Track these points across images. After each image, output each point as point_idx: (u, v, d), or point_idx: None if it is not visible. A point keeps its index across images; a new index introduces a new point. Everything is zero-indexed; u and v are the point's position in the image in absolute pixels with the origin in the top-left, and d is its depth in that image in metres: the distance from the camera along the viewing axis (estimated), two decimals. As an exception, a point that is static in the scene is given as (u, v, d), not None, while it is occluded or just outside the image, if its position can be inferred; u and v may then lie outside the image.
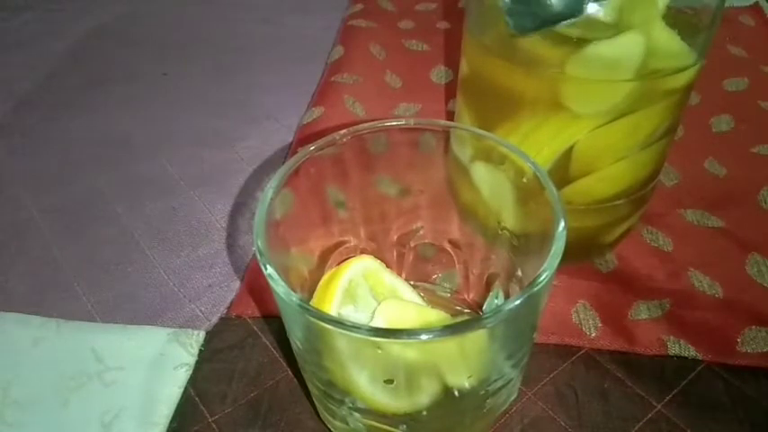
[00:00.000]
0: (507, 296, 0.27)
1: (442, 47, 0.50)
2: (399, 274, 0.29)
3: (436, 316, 0.26)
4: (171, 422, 0.27)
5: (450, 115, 0.43)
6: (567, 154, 0.27)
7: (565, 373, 0.28)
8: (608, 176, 0.28)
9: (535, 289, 0.19)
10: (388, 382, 0.22)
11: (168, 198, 0.39)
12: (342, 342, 0.20)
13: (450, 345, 0.21)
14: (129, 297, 0.33)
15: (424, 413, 0.23)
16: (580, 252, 0.31)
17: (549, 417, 0.27)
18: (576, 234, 0.28)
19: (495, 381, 0.22)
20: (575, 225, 0.26)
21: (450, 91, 0.45)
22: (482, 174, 0.27)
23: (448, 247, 0.29)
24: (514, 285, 0.26)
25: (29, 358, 0.30)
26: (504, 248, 0.26)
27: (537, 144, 0.27)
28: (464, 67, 0.30)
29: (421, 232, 0.29)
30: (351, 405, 0.23)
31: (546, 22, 0.24)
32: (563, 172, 0.27)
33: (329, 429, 0.26)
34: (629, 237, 0.33)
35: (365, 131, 0.25)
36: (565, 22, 0.24)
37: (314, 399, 0.26)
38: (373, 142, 0.26)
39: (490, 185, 0.26)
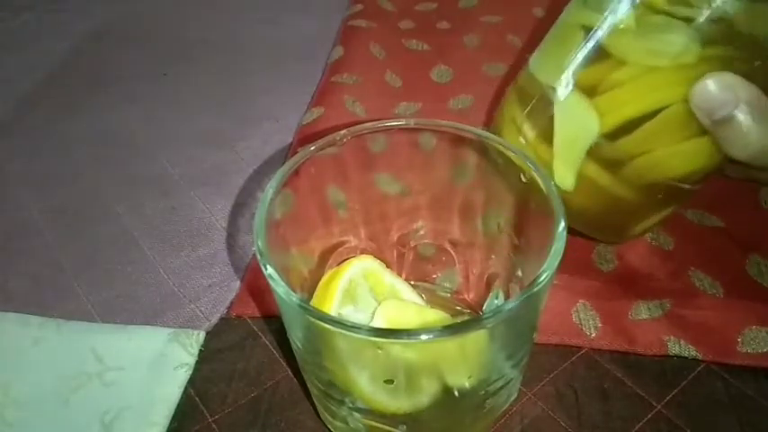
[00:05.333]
0: (507, 296, 0.27)
1: (442, 47, 0.50)
2: (399, 274, 0.29)
3: (436, 316, 0.26)
4: (171, 422, 0.27)
5: (451, 114, 0.43)
6: (653, 115, 0.26)
7: (565, 373, 0.28)
8: (687, 150, 0.26)
9: (535, 289, 0.19)
10: (388, 382, 0.22)
11: (168, 198, 0.39)
12: (342, 342, 0.20)
13: (450, 345, 0.21)
14: (129, 297, 0.33)
15: (424, 413, 0.23)
16: (603, 230, 0.31)
17: (549, 417, 0.27)
18: (615, 210, 0.28)
19: (495, 381, 0.22)
20: (624, 198, 0.26)
21: (451, 90, 0.45)
22: (570, 102, 0.27)
23: (448, 246, 0.29)
24: (514, 285, 0.26)
25: (29, 358, 0.30)
26: (504, 248, 0.26)
27: (631, 94, 0.26)
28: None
29: (421, 232, 0.29)
30: (351, 405, 0.23)
31: None
32: (645, 135, 0.26)
33: (329, 429, 0.26)
34: (630, 236, 0.33)
35: (365, 131, 0.25)
36: None
37: (314, 399, 0.26)
38: (373, 142, 0.26)
39: (577, 119, 0.26)
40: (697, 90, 0.24)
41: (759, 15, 0.23)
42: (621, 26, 0.25)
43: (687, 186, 0.28)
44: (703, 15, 0.23)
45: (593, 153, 0.27)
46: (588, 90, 0.26)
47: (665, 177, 0.27)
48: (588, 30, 0.26)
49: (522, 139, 0.29)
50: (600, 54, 0.26)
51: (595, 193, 0.28)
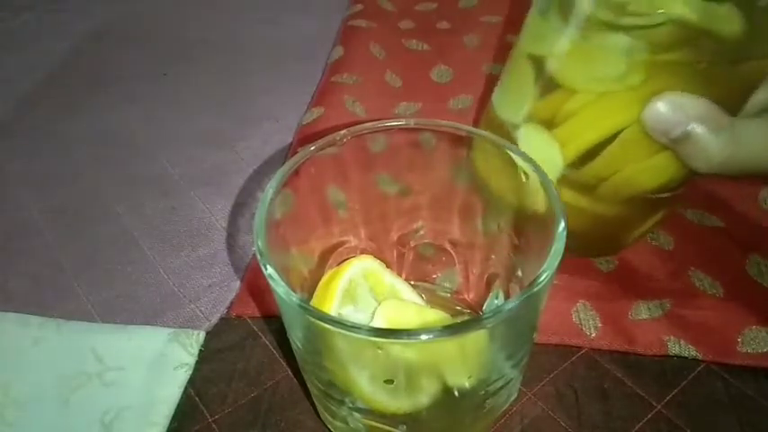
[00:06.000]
0: (507, 296, 0.27)
1: (442, 47, 0.50)
2: (399, 274, 0.29)
3: (436, 316, 0.26)
4: (171, 422, 0.27)
5: (451, 114, 0.43)
6: (613, 139, 0.26)
7: (565, 373, 0.28)
8: (656, 165, 0.26)
9: (535, 289, 0.19)
10: (388, 382, 0.22)
11: (168, 198, 0.39)
12: (342, 342, 0.20)
13: (450, 345, 0.21)
14: (129, 297, 0.33)
15: (424, 413, 0.23)
16: (598, 246, 0.31)
17: (549, 417, 0.27)
18: (604, 225, 0.27)
19: (495, 381, 0.22)
20: (609, 215, 0.26)
21: (451, 90, 0.45)
22: (531, 138, 0.27)
23: (448, 246, 0.29)
24: (514, 285, 0.26)
25: (29, 358, 0.30)
26: (504, 248, 0.26)
27: (586, 122, 0.26)
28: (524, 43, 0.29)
29: (421, 232, 0.29)
30: (351, 405, 0.23)
31: None
32: (609, 158, 0.26)
33: (329, 429, 0.26)
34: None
35: (365, 131, 0.25)
36: None
37: (314, 399, 0.26)
38: (373, 142, 0.26)
39: (540, 153, 0.26)
40: (647, 114, 0.24)
41: (712, 14, 0.23)
42: (564, 55, 0.25)
43: (667, 194, 0.28)
44: (654, 21, 0.23)
45: (564, 181, 0.27)
46: (547, 122, 0.26)
47: (641, 191, 0.27)
48: (536, 60, 0.26)
49: None
50: (551, 85, 0.26)
51: (578, 214, 0.27)
